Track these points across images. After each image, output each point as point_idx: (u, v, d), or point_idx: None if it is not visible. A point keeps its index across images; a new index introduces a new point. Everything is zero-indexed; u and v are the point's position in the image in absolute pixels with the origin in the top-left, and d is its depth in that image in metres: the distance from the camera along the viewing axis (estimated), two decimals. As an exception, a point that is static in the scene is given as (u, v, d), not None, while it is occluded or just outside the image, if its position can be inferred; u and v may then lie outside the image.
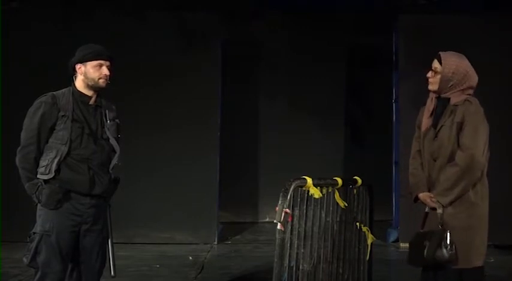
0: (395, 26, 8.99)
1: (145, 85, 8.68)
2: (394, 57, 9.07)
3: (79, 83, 4.33)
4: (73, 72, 4.35)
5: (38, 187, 4.16)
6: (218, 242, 8.71)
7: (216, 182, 8.77)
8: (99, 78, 4.29)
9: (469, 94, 4.39)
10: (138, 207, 8.54)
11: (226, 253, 8.30)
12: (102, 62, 4.30)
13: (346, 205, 4.89)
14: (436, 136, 4.38)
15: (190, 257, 7.77)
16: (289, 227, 4.26)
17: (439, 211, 4.27)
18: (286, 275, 4.22)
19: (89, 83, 4.30)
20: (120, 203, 7.93)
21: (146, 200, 8.58)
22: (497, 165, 8.14)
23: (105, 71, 4.30)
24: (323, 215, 4.69)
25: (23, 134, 4.25)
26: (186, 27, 8.76)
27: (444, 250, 4.19)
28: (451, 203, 4.27)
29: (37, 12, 8.70)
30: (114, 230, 4.43)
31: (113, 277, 4.37)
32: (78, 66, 4.31)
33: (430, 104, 4.46)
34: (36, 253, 4.19)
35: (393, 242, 8.76)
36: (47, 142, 4.21)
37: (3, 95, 8.32)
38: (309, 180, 4.41)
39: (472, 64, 4.42)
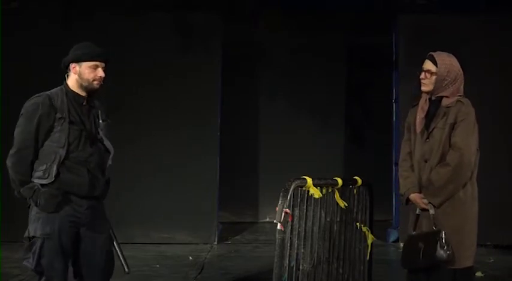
0: (395, 26, 8.98)
1: (145, 85, 8.68)
2: (394, 57, 9.07)
3: (72, 83, 4.20)
4: (66, 71, 4.22)
5: (35, 190, 4.05)
6: (218, 242, 8.71)
7: (216, 182, 8.77)
8: (94, 80, 4.16)
9: (460, 95, 4.42)
10: (138, 207, 8.54)
11: (226, 253, 8.30)
12: (98, 63, 4.17)
13: (346, 205, 4.89)
14: (428, 138, 4.40)
15: (190, 257, 7.77)
16: (289, 227, 4.25)
17: (431, 211, 4.29)
18: (286, 275, 4.22)
19: (83, 84, 4.17)
20: (121, 203, 8.03)
21: (146, 200, 8.58)
22: (497, 165, 8.29)
23: (100, 72, 4.17)
24: (323, 215, 4.68)
25: (18, 137, 4.11)
26: (186, 27, 8.76)
27: (442, 251, 4.20)
28: (442, 203, 4.30)
29: (37, 12, 8.69)
30: (114, 230, 4.41)
31: (127, 273, 4.36)
32: (72, 65, 4.18)
33: (424, 104, 4.47)
34: (40, 257, 4.08)
35: (393, 242, 8.76)
36: (42, 144, 4.09)
37: (3, 95, 8.31)
38: (309, 180, 4.41)
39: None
